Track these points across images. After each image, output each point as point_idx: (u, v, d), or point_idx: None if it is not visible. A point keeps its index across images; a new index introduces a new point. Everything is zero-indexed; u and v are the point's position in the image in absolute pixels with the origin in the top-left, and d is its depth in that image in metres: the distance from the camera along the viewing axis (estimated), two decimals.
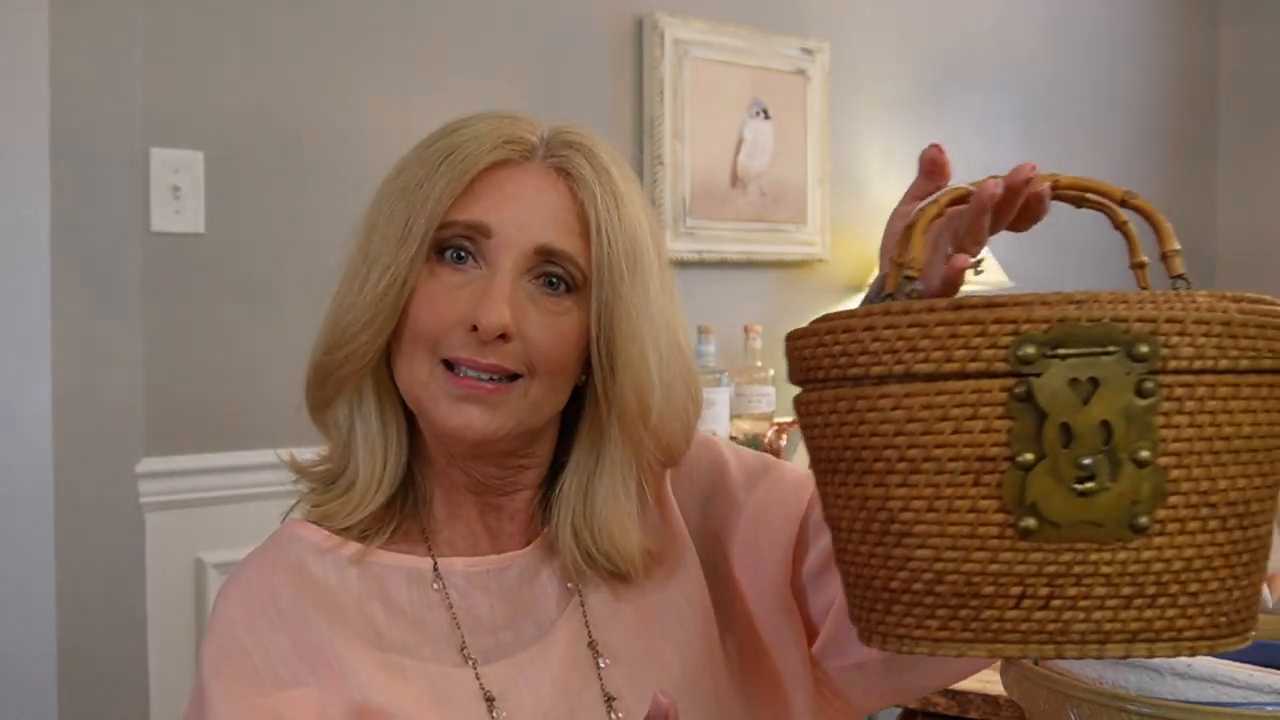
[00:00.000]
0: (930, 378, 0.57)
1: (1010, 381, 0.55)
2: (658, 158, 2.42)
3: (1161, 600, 0.56)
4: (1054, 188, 0.74)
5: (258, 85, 1.93)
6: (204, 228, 1.88)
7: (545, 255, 0.78)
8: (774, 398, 2.33)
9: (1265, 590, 1.34)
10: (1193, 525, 0.56)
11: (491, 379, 0.77)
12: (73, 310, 1.74)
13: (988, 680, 1.26)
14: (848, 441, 0.60)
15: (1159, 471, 0.55)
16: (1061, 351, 0.55)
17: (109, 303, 1.78)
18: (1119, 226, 0.72)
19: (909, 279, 0.63)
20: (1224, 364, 0.56)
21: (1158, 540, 0.56)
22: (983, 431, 0.56)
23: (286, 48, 1.96)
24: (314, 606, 0.79)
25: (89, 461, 1.76)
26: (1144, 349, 0.55)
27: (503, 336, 0.76)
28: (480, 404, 0.76)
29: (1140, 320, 0.55)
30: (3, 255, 1.74)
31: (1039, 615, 0.56)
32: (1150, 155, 3.61)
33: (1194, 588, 0.57)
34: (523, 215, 0.79)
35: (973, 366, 0.56)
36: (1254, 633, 0.61)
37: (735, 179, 2.56)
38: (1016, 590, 0.56)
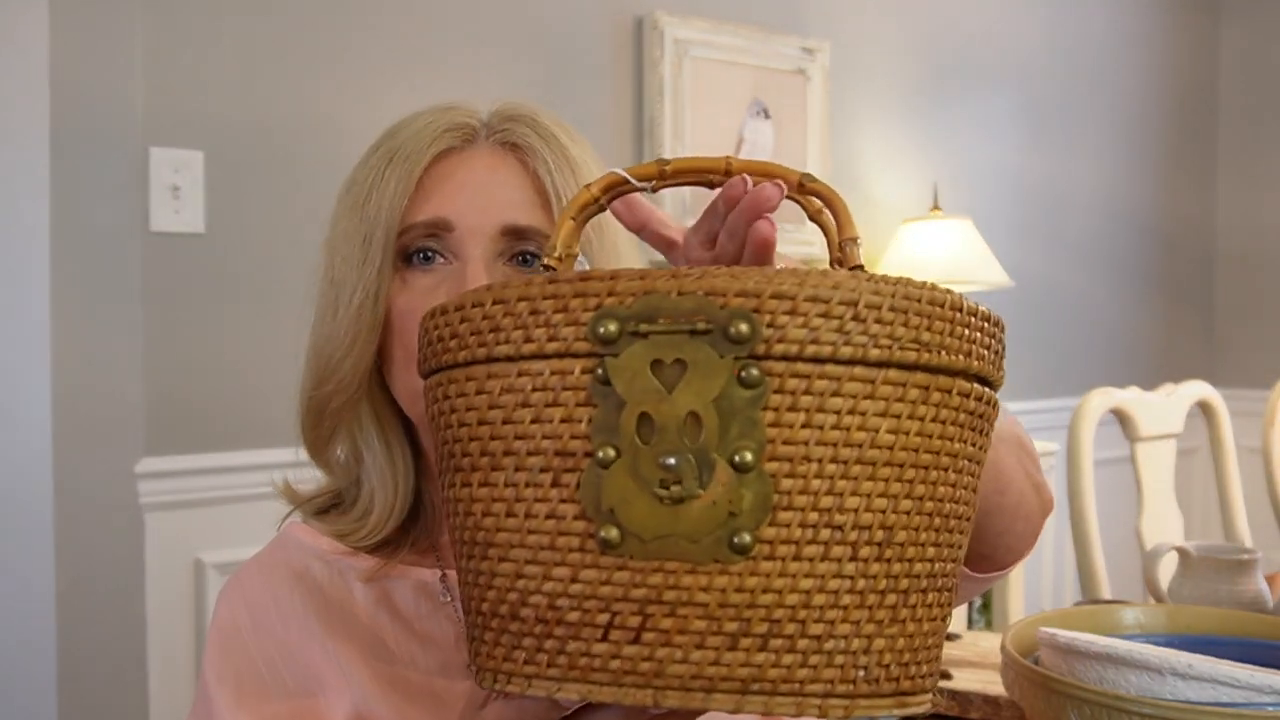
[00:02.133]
0: (511, 359, 0.49)
1: (592, 363, 0.47)
2: (658, 157, 2.42)
3: (775, 642, 0.46)
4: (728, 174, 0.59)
5: (258, 85, 1.93)
6: (204, 228, 1.88)
7: (512, 234, 0.76)
8: None
9: (1265, 590, 1.34)
10: (811, 550, 0.46)
11: None
12: (73, 310, 1.74)
13: (988, 680, 1.26)
14: (445, 435, 0.53)
15: (765, 479, 0.45)
16: (644, 328, 0.46)
17: (109, 303, 1.78)
18: (813, 217, 0.59)
19: (547, 268, 0.55)
20: (846, 352, 0.46)
21: (765, 565, 0.45)
22: (563, 421, 0.47)
23: (286, 48, 1.96)
24: (317, 615, 0.78)
25: (89, 461, 1.76)
26: (743, 328, 0.45)
27: None
28: None
29: (741, 295, 0.46)
30: (3, 255, 1.74)
31: (630, 651, 0.46)
32: (1150, 155, 3.60)
33: (816, 629, 0.46)
34: (480, 200, 0.76)
35: (551, 347, 0.48)
36: (927, 698, 0.50)
37: None
38: (603, 618, 0.46)
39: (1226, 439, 2.12)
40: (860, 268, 0.53)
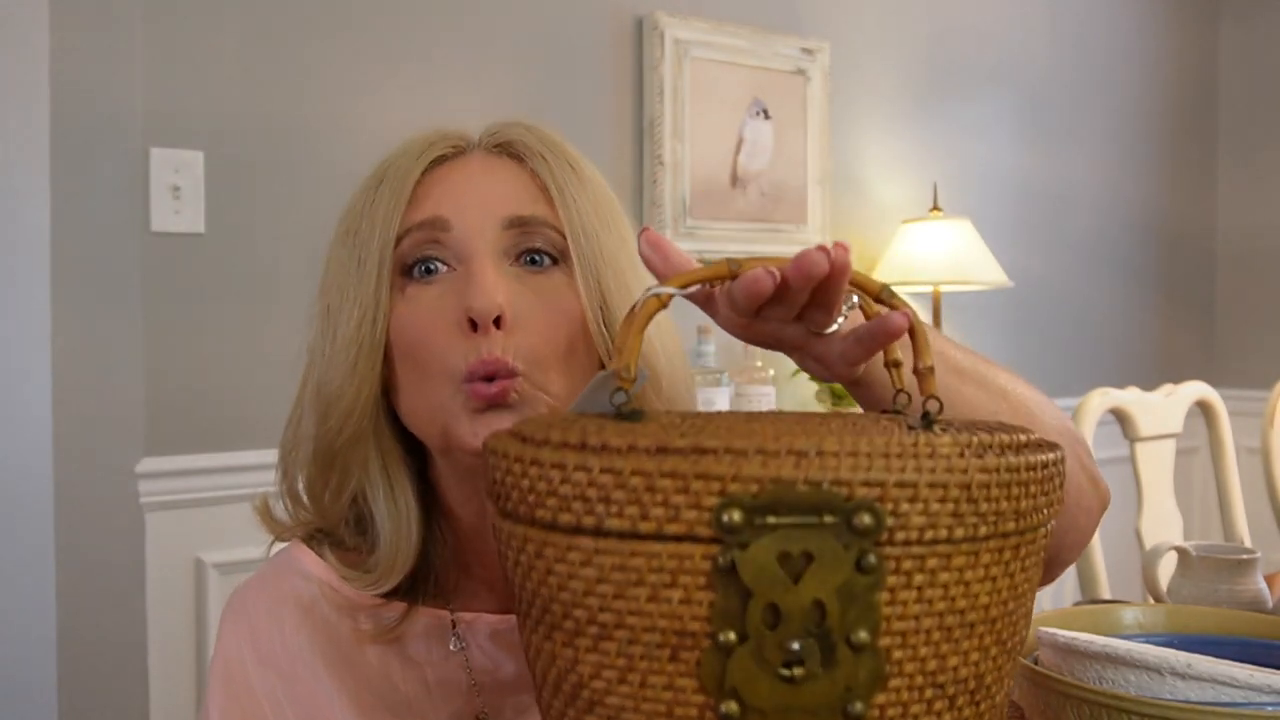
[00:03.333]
0: (624, 536, 0.48)
1: (714, 549, 0.47)
2: (658, 158, 2.42)
3: None
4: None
5: (258, 85, 1.93)
6: (204, 228, 1.88)
7: (516, 226, 0.72)
8: (774, 398, 2.33)
9: (1265, 590, 1.34)
10: (916, 709, 0.49)
11: (507, 377, 0.69)
12: (73, 310, 1.74)
13: None
14: (538, 589, 0.51)
15: (878, 654, 0.48)
16: (772, 521, 0.46)
17: (109, 303, 1.78)
18: (887, 362, 0.61)
19: (620, 390, 0.54)
20: (960, 533, 0.48)
21: None
22: (681, 603, 0.48)
23: (286, 48, 1.96)
24: (324, 656, 0.74)
25: (89, 461, 1.76)
26: (867, 520, 0.46)
27: (498, 322, 0.69)
28: (501, 410, 0.69)
29: (866, 485, 0.47)
30: (3, 255, 1.74)
31: None
32: (1150, 155, 3.60)
33: None
34: (478, 196, 0.72)
35: (671, 528, 0.47)
36: None
37: (735, 179, 2.56)
38: None
39: (1226, 439, 2.12)
40: (934, 398, 0.56)
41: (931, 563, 0.48)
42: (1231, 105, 3.81)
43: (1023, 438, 0.53)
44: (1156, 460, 2.02)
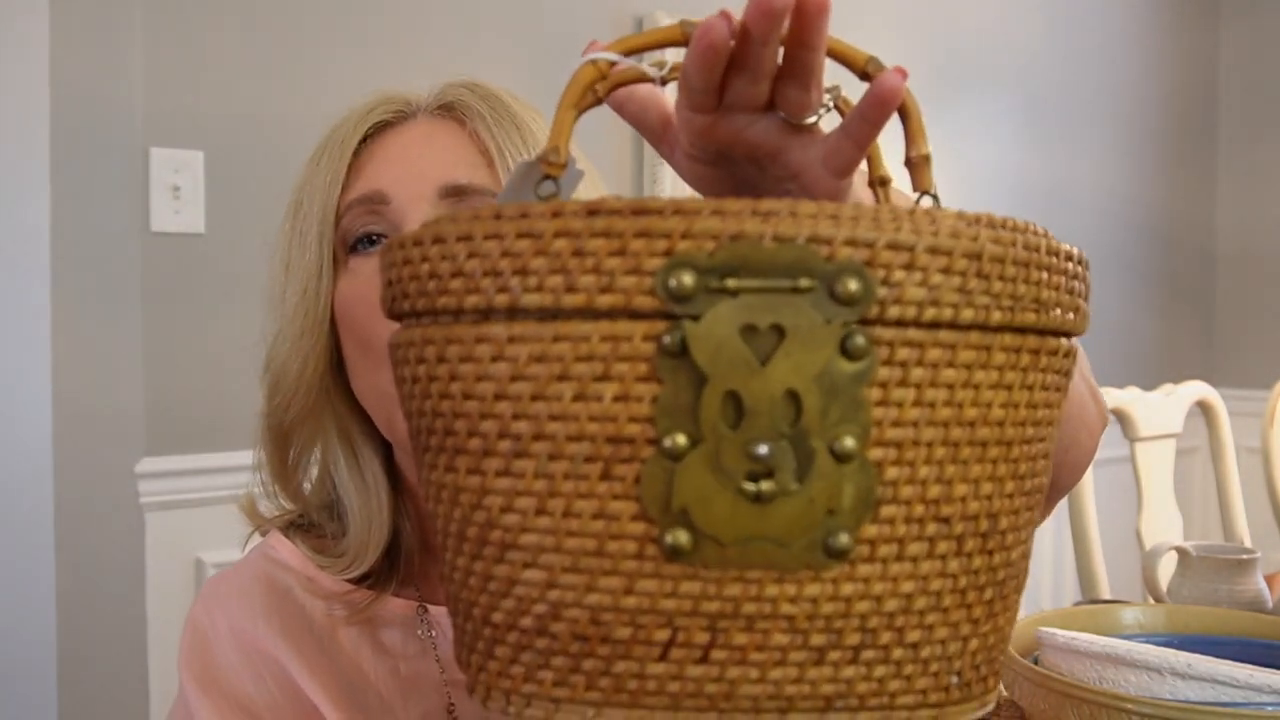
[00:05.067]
0: (544, 315, 0.38)
1: (659, 325, 0.37)
2: (658, 157, 2.42)
3: (868, 654, 0.39)
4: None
5: (258, 85, 1.93)
6: (204, 228, 1.88)
7: (453, 194, 0.70)
8: None
9: (1265, 590, 1.34)
10: (915, 548, 0.39)
11: None
12: (72, 310, 1.74)
13: None
14: (438, 405, 0.41)
15: (868, 469, 0.38)
16: (733, 285, 0.37)
17: (109, 303, 1.78)
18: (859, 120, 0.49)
19: (548, 177, 0.44)
20: (968, 315, 0.38)
21: (864, 569, 0.38)
22: (617, 400, 0.37)
23: (286, 48, 1.96)
24: (295, 644, 0.72)
25: (89, 461, 1.76)
26: (852, 287, 0.37)
27: None
28: None
29: (851, 243, 0.37)
30: (2, 255, 1.74)
31: (695, 671, 0.38)
32: (1150, 154, 3.60)
33: (914, 636, 0.40)
34: (415, 167, 0.70)
35: (604, 301, 0.37)
36: (994, 696, 0.44)
37: None
38: (663, 634, 0.38)
39: (1226, 439, 2.12)
40: (930, 194, 0.46)
41: (934, 354, 0.38)
42: (1232, 104, 3.81)
43: (1044, 230, 0.42)
44: (1156, 460, 2.02)
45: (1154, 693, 0.72)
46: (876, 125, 0.47)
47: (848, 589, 0.38)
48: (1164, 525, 1.99)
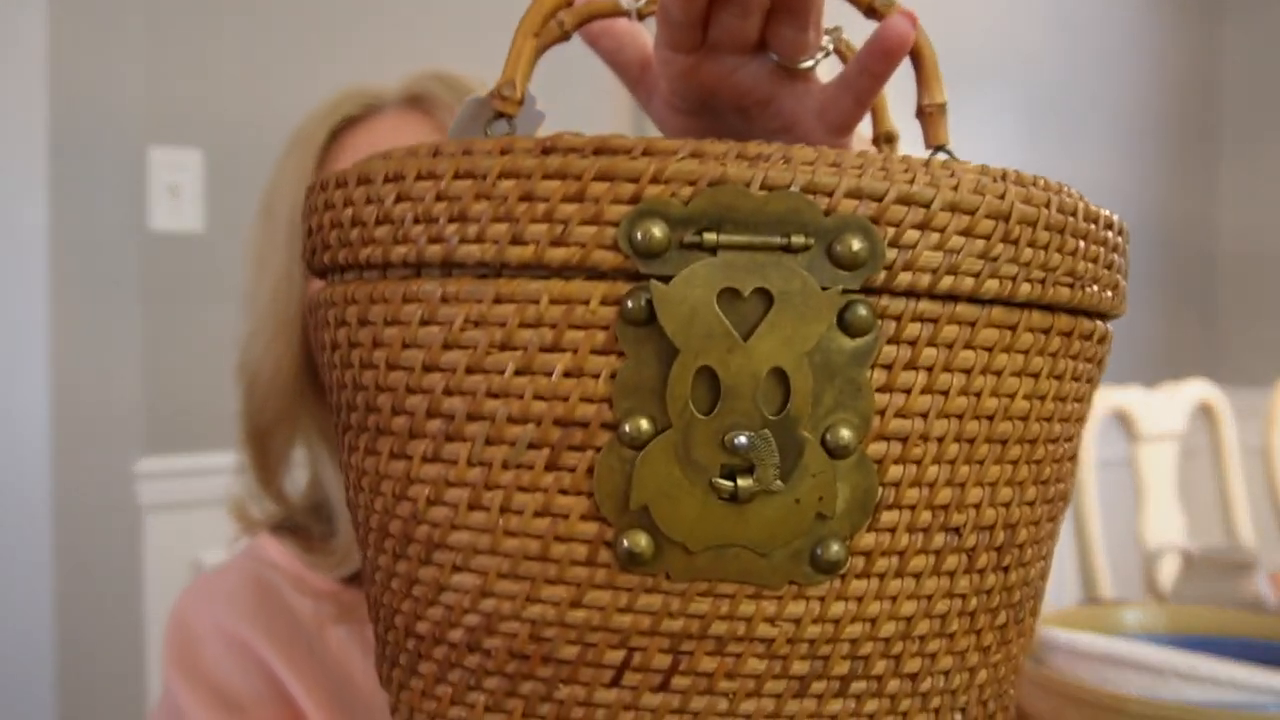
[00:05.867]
0: (485, 271, 0.32)
1: (621, 287, 0.31)
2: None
3: (858, 685, 0.33)
4: None
5: (258, 85, 1.93)
6: (203, 227, 1.87)
7: None
8: None
9: (1265, 590, 1.33)
10: (919, 562, 0.33)
11: None
12: (71, 309, 1.74)
13: None
14: (359, 376, 0.35)
15: (867, 467, 0.32)
16: (711, 240, 0.30)
17: (107, 302, 1.78)
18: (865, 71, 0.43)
19: (500, 115, 0.38)
20: (992, 287, 0.32)
21: (857, 585, 0.32)
22: (569, 375, 0.31)
23: (286, 47, 1.96)
24: (280, 643, 0.71)
25: (87, 461, 1.76)
26: (856, 247, 0.30)
27: None
28: None
29: (854, 195, 0.30)
30: (2, 255, 1.74)
31: (653, 700, 0.32)
32: (1152, 154, 3.60)
33: (913, 666, 0.34)
34: None
35: (557, 255, 0.31)
36: None
37: None
38: (616, 656, 0.32)
39: (1228, 439, 2.12)
40: (950, 155, 0.39)
41: (949, 331, 0.32)
42: (1234, 103, 3.80)
43: (1078, 193, 0.36)
44: (1158, 460, 2.01)
45: (1155, 693, 0.72)
46: (880, 78, 0.41)
47: (837, 609, 0.33)
48: (1166, 525, 1.99)
